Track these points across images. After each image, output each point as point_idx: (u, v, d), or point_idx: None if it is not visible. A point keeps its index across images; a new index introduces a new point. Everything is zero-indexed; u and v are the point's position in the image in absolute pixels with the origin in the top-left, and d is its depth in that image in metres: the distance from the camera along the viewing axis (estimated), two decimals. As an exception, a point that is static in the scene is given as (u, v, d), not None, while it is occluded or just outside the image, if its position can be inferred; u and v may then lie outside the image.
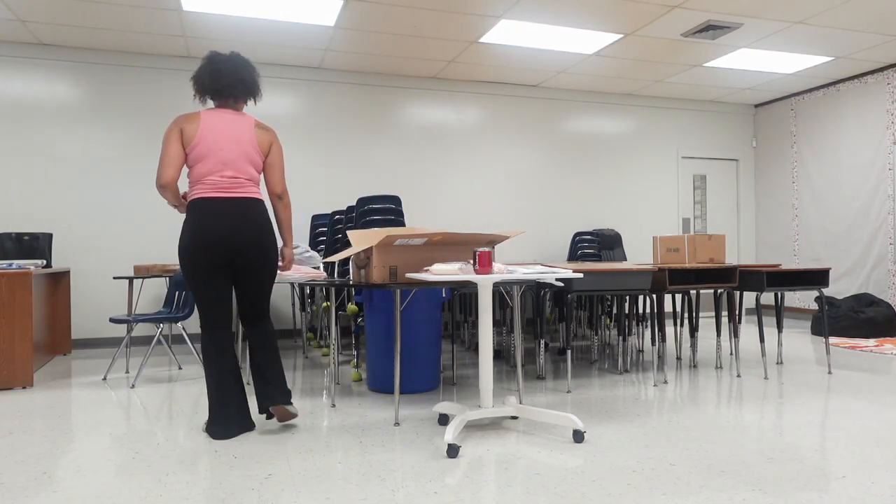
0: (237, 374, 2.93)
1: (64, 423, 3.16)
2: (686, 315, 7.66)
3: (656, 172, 7.69)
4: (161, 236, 5.92)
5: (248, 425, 2.97)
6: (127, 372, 4.52)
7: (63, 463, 2.54)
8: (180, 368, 4.67)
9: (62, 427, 3.08)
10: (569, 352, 3.95)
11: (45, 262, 4.72)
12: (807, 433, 2.87)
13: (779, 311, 4.55)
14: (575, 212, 7.33)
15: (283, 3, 4.76)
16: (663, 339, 4.12)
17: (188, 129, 2.80)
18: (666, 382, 4.02)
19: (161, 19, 5.09)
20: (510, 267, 2.95)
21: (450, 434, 2.59)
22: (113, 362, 4.56)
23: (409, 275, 2.85)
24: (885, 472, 2.35)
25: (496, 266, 2.79)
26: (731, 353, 5.08)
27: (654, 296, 4.35)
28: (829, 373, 4.29)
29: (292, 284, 6.05)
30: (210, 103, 3.00)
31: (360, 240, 3.16)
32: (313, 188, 6.39)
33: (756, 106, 8.13)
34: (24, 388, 4.01)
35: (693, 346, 4.52)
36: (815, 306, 7.29)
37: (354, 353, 4.35)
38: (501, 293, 4.91)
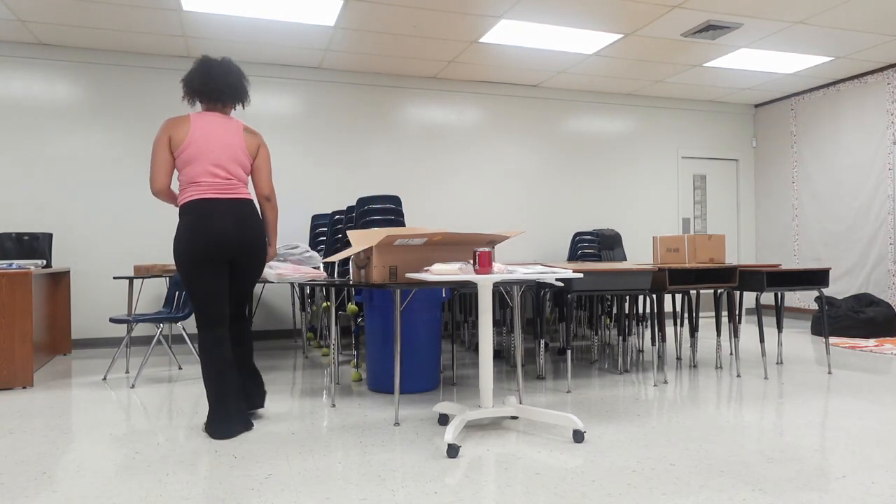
0: (235, 372, 2.94)
1: (64, 423, 3.16)
2: (686, 315, 7.66)
3: (656, 172, 7.69)
4: (161, 236, 5.92)
5: (248, 424, 2.98)
6: (127, 372, 4.52)
7: (63, 463, 2.54)
8: (180, 368, 4.67)
9: (62, 427, 3.08)
10: (569, 352, 3.95)
11: (45, 262, 4.72)
12: (807, 433, 2.87)
13: (779, 311, 4.55)
14: (575, 212, 7.33)
15: (283, 3, 4.76)
16: (663, 339, 4.12)
17: (177, 134, 2.87)
18: (666, 382, 4.02)
19: (161, 19, 5.09)
20: (510, 267, 2.95)
21: (450, 434, 2.59)
22: (113, 362, 4.56)
23: (409, 275, 2.85)
24: (885, 472, 2.35)
25: (496, 266, 2.79)
26: (731, 353, 5.08)
27: (654, 296, 4.35)
28: (829, 373, 4.29)
29: (292, 284, 6.05)
30: (198, 106, 3.05)
31: (360, 240, 3.17)
32: (313, 188, 6.39)
33: (756, 106, 8.13)
34: (24, 388, 4.01)
35: (693, 346, 4.53)
36: (815, 306, 7.29)
37: (354, 353, 4.35)
38: (501, 293, 4.91)
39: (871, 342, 5.64)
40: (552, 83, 7.03)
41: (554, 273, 2.83)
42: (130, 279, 4.65)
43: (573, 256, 6.78)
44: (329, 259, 3.40)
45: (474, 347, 5.48)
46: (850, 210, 6.89)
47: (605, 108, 7.48)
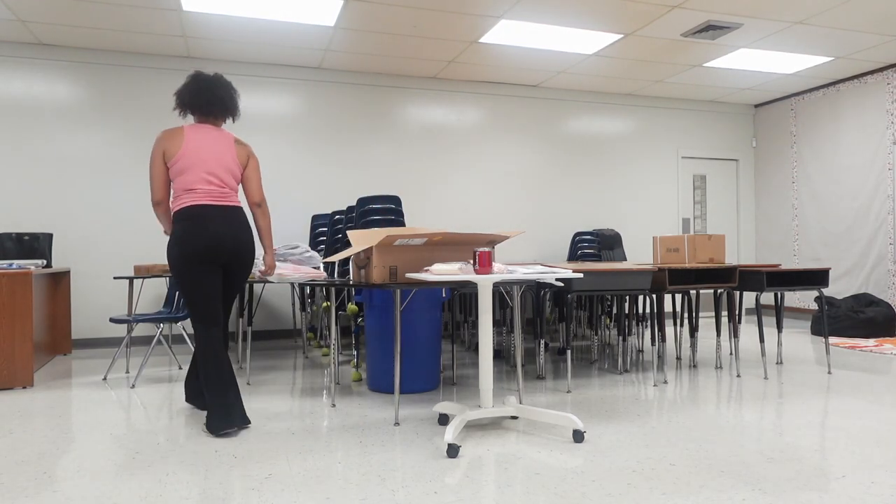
0: (231, 369, 3.00)
1: (64, 423, 3.16)
2: (686, 315, 7.66)
3: (656, 172, 7.69)
4: (161, 236, 5.92)
5: (246, 420, 3.00)
6: (127, 372, 4.52)
7: (63, 463, 2.54)
8: (180, 368, 4.67)
9: (62, 427, 3.08)
10: (569, 352, 3.95)
11: (45, 262, 4.72)
12: (807, 433, 2.87)
13: (779, 311, 4.55)
14: (575, 212, 7.33)
15: (283, 3, 4.76)
16: (663, 339, 4.12)
17: (171, 146, 3.01)
18: (666, 382, 4.02)
19: (161, 19, 5.09)
20: (510, 267, 2.95)
21: (450, 434, 2.59)
22: (113, 362, 4.56)
23: (409, 275, 2.85)
24: (885, 472, 2.36)
25: (496, 266, 2.79)
26: (731, 353, 5.08)
27: (654, 296, 4.35)
28: (829, 373, 4.29)
29: (292, 284, 6.06)
30: (190, 118, 3.14)
31: (360, 240, 3.17)
32: (313, 188, 6.39)
33: (756, 106, 8.13)
34: (24, 387, 4.01)
35: (693, 346, 4.53)
36: (814, 306, 7.29)
37: (354, 353, 4.35)
38: (501, 293, 4.92)
39: (871, 342, 5.64)
40: (552, 83, 7.03)
41: (554, 273, 2.83)
42: (130, 279, 4.65)
43: (573, 256, 6.78)
44: (329, 259, 3.40)
45: (474, 347, 5.48)
46: (850, 210, 6.89)
47: (605, 108, 7.48)
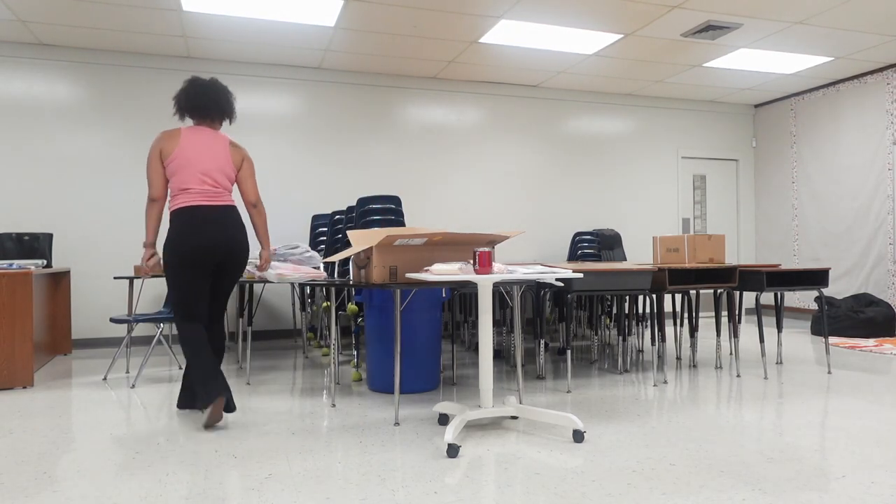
0: (214, 358, 3.09)
1: (64, 423, 3.16)
2: (686, 315, 7.66)
3: (656, 172, 7.70)
4: (161, 236, 5.90)
5: (231, 405, 3.10)
6: (127, 372, 4.52)
7: (63, 463, 2.54)
8: (180, 368, 4.67)
9: (62, 427, 3.08)
10: (569, 352, 3.95)
11: (45, 262, 4.72)
12: (807, 433, 2.87)
13: (778, 311, 4.55)
14: (575, 212, 7.33)
15: (283, 3, 4.76)
16: (663, 339, 4.12)
17: (167, 146, 3.12)
18: (666, 382, 4.02)
19: (161, 19, 5.09)
20: (510, 267, 2.95)
21: (450, 434, 2.59)
22: (113, 362, 4.56)
23: (409, 275, 2.85)
24: (885, 472, 2.36)
25: (496, 266, 2.79)
26: (731, 353, 5.08)
27: (654, 296, 4.35)
28: (829, 373, 4.29)
29: (292, 284, 6.06)
30: (188, 121, 3.31)
31: (360, 240, 3.17)
32: (313, 188, 6.39)
33: (756, 106, 8.13)
34: (24, 387, 4.01)
35: (693, 346, 4.53)
36: (814, 306, 7.29)
37: (354, 353, 4.35)
38: (501, 293, 4.92)
39: (871, 342, 5.64)
40: (552, 83, 7.03)
41: (554, 273, 2.83)
42: (130, 279, 4.65)
43: (573, 256, 6.78)
44: (329, 259, 3.40)
45: (474, 347, 5.48)
46: (850, 210, 6.89)
47: (605, 108, 7.48)
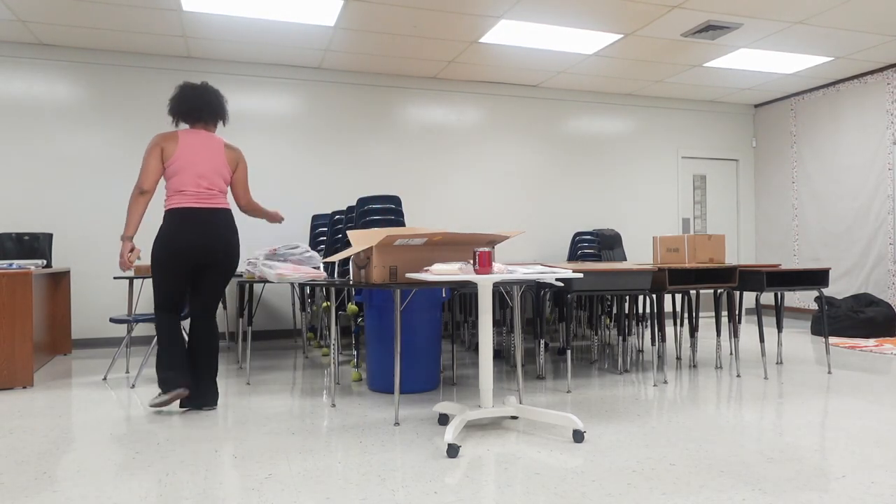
0: (184, 350, 3.33)
1: (64, 423, 3.16)
2: (686, 315, 7.66)
3: (656, 172, 7.70)
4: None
5: (187, 388, 3.27)
6: (127, 372, 4.52)
7: (63, 463, 2.54)
8: (180, 368, 4.66)
9: (62, 427, 3.08)
10: (569, 352, 3.95)
11: (45, 262, 4.72)
12: (807, 433, 2.87)
13: (779, 311, 4.55)
14: (575, 212, 7.33)
15: (283, 3, 4.76)
16: (663, 339, 4.12)
17: (168, 147, 3.26)
18: (666, 382, 4.02)
19: (161, 19, 5.09)
20: (510, 267, 2.95)
21: (450, 434, 2.59)
22: (113, 362, 4.56)
23: (409, 275, 2.85)
24: (885, 472, 2.36)
25: (496, 266, 2.79)
26: (731, 353, 5.08)
27: (654, 296, 4.35)
28: (829, 373, 4.29)
29: (292, 284, 6.06)
30: (183, 125, 3.42)
31: (360, 240, 3.17)
32: (313, 188, 6.39)
33: (756, 106, 8.13)
34: (24, 387, 4.01)
35: (693, 346, 4.53)
36: (814, 306, 7.29)
37: (354, 353, 4.35)
38: (501, 293, 4.92)
39: (871, 342, 5.64)
40: (552, 83, 7.03)
41: (554, 273, 2.83)
42: (130, 279, 4.65)
43: (573, 256, 6.78)
44: (329, 259, 3.41)
45: (474, 347, 5.48)
46: (850, 210, 6.89)
47: (605, 108, 7.48)
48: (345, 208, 6.12)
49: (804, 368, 4.46)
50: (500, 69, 6.51)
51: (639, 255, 7.56)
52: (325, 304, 5.02)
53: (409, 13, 5.01)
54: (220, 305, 5.97)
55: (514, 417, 3.18)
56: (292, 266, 3.67)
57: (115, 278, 4.69)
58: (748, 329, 6.64)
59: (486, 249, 2.73)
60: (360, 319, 4.41)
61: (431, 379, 3.88)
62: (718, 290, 4.55)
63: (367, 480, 2.31)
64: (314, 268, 3.83)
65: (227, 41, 5.60)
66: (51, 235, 5.04)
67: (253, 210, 3.59)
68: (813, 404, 3.42)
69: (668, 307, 7.49)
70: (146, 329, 5.89)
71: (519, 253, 7.11)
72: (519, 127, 7.13)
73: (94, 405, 3.53)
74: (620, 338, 4.69)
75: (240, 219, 6.11)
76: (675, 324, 5.11)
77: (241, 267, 5.97)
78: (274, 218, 3.71)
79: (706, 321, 7.46)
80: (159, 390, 3.34)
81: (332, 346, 3.69)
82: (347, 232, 3.51)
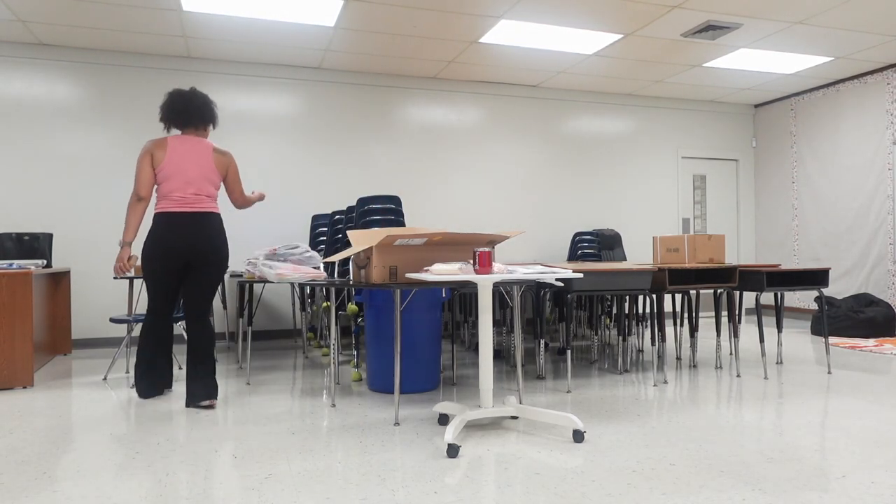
0: (167, 348, 3.60)
1: (64, 423, 3.16)
2: (686, 315, 7.66)
3: (656, 172, 7.70)
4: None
5: (157, 394, 3.62)
6: (127, 372, 4.52)
7: (63, 463, 2.54)
8: (181, 368, 4.67)
9: (62, 427, 3.08)
10: (569, 352, 3.95)
11: (45, 262, 4.72)
12: (807, 433, 2.87)
13: (778, 311, 4.55)
14: (575, 212, 7.33)
15: (283, 3, 4.76)
16: (663, 339, 4.12)
17: (157, 154, 3.38)
18: (666, 382, 4.02)
19: (161, 19, 5.09)
20: (510, 267, 2.95)
21: (450, 434, 2.59)
22: (113, 362, 4.56)
23: (409, 275, 2.85)
24: (885, 472, 2.36)
25: (496, 266, 2.79)
26: (731, 353, 5.08)
27: (654, 296, 4.35)
28: (829, 373, 4.29)
29: (292, 284, 6.06)
30: (174, 131, 3.52)
31: (360, 240, 3.17)
32: (313, 188, 6.39)
33: (756, 106, 8.13)
34: (24, 387, 4.01)
35: (693, 346, 4.53)
36: (814, 306, 7.29)
37: (354, 353, 4.35)
38: (501, 293, 4.92)
39: (871, 342, 5.64)
40: (552, 83, 7.03)
41: (554, 273, 2.83)
42: (130, 279, 4.65)
43: (573, 256, 6.78)
44: (329, 259, 3.41)
45: (474, 347, 5.48)
46: (850, 210, 6.89)
47: (605, 108, 7.48)
48: (345, 208, 6.12)
49: (804, 368, 4.46)
50: (499, 69, 6.51)
51: (639, 255, 7.56)
52: (325, 304, 5.02)
53: (409, 13, 5.01)
54: (221, 305, 5.97)
55: (514, 417, 3.18)
56: (292, 266, 3.67)
57: (114, 278, 4.70)
58: (748, 329, 6.64)
59: (486, 249, 2.73)
60: (360, 319, 4.41)
61: (431, 379, 3.88)
62: (718, 290, 4.55)
63: (367, 480, 2.31)
64: (314, 268, 3.83)
65: (227, 41, 5.60)
66: (51, 235, 5.04)
67: (245, 204, 3.74)
68: (813, 404, 3.42)
69: (668, 307, 7.49)
70: (146, 329, 5.89)
71: (519, 253, 7.11)
72: (519, 127, 7.13)
73: (94, 405, 3.53)
74: (620, 338, 4.69)
75: (240, 219, 6.12)
76: (675, 324, 5.11)
77: (241, 267, 5.98)
78: (259, 199, 3.85)
79: (706, 321, 7.46)
80: (144, 387, 3.63)
81: (332, 346, 3.69)
82: (347, 232, 3.51)
